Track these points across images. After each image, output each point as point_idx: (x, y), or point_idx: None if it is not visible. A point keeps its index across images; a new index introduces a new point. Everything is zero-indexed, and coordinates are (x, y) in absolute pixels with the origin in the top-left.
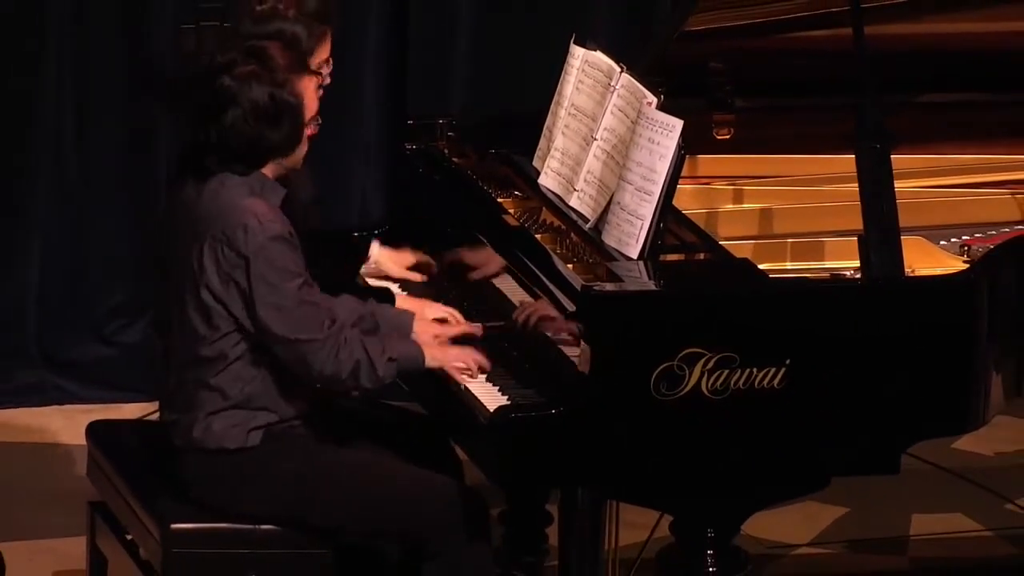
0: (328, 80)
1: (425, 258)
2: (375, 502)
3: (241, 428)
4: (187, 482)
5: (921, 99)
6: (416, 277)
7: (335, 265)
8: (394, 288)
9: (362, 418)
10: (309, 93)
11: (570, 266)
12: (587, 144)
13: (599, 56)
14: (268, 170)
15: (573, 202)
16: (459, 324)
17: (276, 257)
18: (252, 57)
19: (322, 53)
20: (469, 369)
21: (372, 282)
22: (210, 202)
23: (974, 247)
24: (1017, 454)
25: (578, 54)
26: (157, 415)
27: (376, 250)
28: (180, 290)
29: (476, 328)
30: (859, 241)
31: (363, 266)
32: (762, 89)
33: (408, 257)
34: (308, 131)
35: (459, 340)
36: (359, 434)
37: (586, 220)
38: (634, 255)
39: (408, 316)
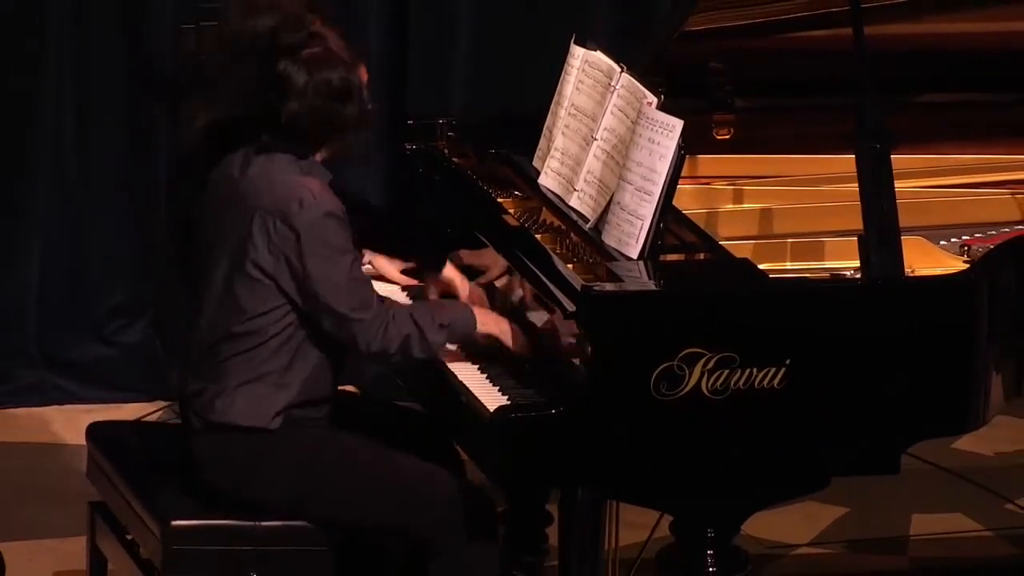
0: None
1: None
2: (384, 496)
3: (265, 407)
4: (199, 463)
5: (921, 99)
6: (411, 281)
7: None
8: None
9: (367, 416)
10: (364, 80)
11: (570, 266)
12: (587, 144)
13: (599, 56)
14: (320, 154)
15: (573, 202)
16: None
17: (329, 233)
18: (317, 40)
19: None
20: (517, 343)
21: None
22: (259, 178)
23: (974, 247)
24: (1017, 454)
25: (578, 54)
26: (158, 415)
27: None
28: (222, 264)
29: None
30: (859, 241)
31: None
32: (762, 89)
33: (403, 264)
34: None
35: None
36: (367, 431)
37: (586, 220)
38: (634, 255)
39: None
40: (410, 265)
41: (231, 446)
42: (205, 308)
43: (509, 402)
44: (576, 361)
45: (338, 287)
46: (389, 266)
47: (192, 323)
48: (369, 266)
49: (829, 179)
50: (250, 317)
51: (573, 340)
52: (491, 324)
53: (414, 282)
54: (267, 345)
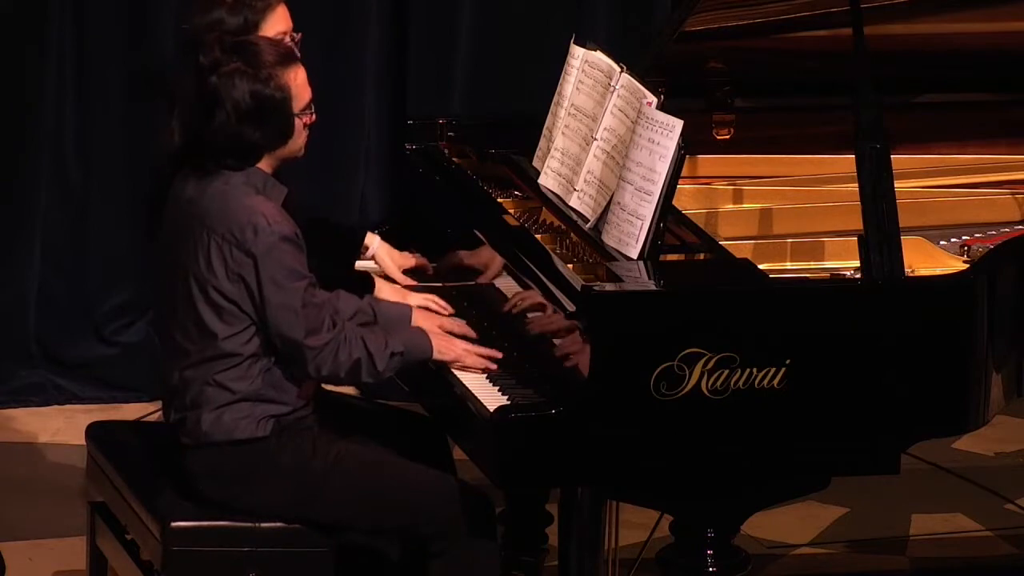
0: (296, 52)
1: (422, 261)
2: (382, 498)
3: (250, 419)
4: (195, 477)
5: (921, 99)
6: (410, 282)
7: (329, 257)
8: (372, 270)
9: (362, 419)
10: (298, 83)
11: (570, 266)
12: (587, 144)
13: (599, 56)
14: (265, 164)
15: (573, 202)
16: (445, 311)
17: (284, 258)
18: (235, 54)
19: (276, 26)
20: (477, 363)
21: (357, 264)
22: (215, 202)
23: (974, 247)
24: (1017, 454)
25: (578, 54)
26: (157, 415)
27: (376, 243)
28: (186, 289)
29: (463, 325)
30: (859, 241)
31: (359, 259)
32: (762, 89)
33: (407, 259)
34: (305, 119)
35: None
36: (365, 433)
37: (586, 220)
38: (634, 255)
39: (407, 309)
40: (411, 262)
41: (225, 459)
42: (174, 332)
43: (509, 402)
44: (576, 361)
45: (292, 313)
46: (389, 260)
47: (164, 348)
48: (371, 259)
49: (829, 179)
50: (222, 339)
51: (572, 340)
52: (446, 350)
53: (411, 282)
54: (240, 366)
